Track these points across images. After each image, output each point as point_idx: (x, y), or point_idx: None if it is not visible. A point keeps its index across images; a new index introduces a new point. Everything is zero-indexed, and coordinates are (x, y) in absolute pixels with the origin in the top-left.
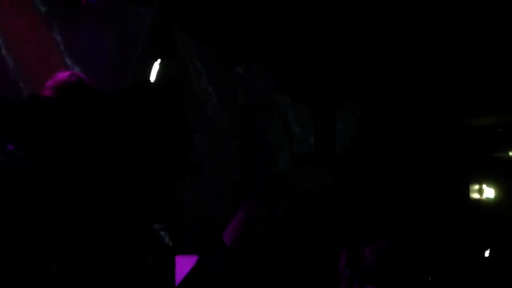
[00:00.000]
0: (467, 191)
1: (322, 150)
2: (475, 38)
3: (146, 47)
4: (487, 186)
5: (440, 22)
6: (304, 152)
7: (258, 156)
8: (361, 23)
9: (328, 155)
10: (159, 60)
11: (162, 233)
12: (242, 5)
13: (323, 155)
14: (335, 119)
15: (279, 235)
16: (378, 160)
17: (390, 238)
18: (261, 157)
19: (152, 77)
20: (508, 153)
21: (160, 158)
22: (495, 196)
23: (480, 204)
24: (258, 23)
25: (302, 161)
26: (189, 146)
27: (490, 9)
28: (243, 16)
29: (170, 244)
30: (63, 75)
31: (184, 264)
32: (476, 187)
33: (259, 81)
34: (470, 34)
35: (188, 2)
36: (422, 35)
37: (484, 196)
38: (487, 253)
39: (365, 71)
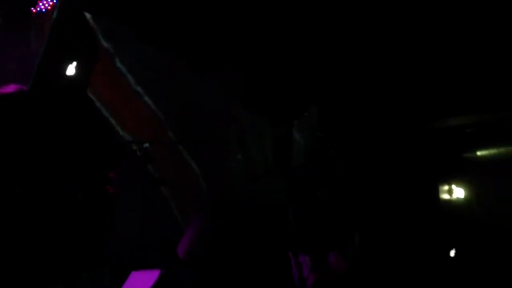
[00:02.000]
0: (436, 192)
1: (278, 162)
2: (441, 39)
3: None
4: (457, 186)
5: (405, 22)
6: (259, 166)
7: (211, 168)
8: (317, 29)
9: (284, 167)
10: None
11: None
12: (196, 10)
13: (279, 167)
14: (291, 130)
15: (231, 249)
16: (334, 171)
17: (355, 244)
18: (214, 169)
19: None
20: (476, 153)
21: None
22: (465, 196)
23: (450, 204)
24: (213, 30)
25: (258, 173)
26: (117, 159)
27: (456, 10)
28: (196, 22)
29: None
30: (7, 89)
31: (141, 279)
32: (446, 187)
33: (214, 90)
34: (436, 34)
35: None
36: (384, 35)
37: (454, 196)
38: (452, 253)
39: (324, 76)
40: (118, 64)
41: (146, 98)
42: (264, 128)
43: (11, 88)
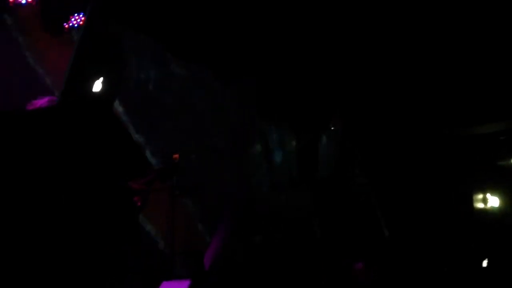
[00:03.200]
0: (471, 201)
1: (303, 174)
2: (471, 46)
3: (78, 52)
4: (491, 195)
5: (431, 31)
6: (284, 176)
7: (238, 178)
8: (340, 43)
9: (309, 179)
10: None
11: None
12: (221, 24)
13: (305, 179)
14: (317, 142)
15: (258, 263)
16: (358, 184)
17: (385, 253)
18: (241, 180)
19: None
20: (511, 161)
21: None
22: (499, 205)
23: (485, 213)
24: (241, 43)
25: (283, 185)
26: (141, 170)
27: (483, 15)
28: (223, 36)
29: None
30: (41, 101)
31: None
32: (480, 196)
33: (240, 102)
34: (465, 41)
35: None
36: (413, 44)
37: (489, 205)
38: (485, 263)
39: (349, 87)
40: None
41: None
42: (289, 140)
43: (44, 100)
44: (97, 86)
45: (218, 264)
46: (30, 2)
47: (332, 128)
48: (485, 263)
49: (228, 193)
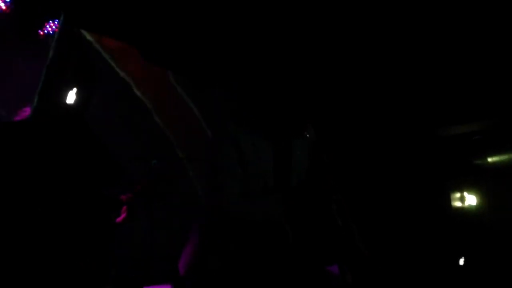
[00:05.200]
0: (448, 200)
1: (278, 181)
2: (444, 48)
3: (51, 64)
4: (469, 194)
5: (404, 30)
6: (258, 183)
7: (209, 184)
8: (315, 42)
9: (283, 186)
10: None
11: None
12: (195, 29)
13: (278, 186)
14: (291, 147)
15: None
16: (330, 186)
17: (361, 256)
18: (212, 185)
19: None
20: (486, 160)
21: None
22: (477, 203)
23: (463, 211)
24: (213, 48)
25: (256, 192)
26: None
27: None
28: (196, 41)
29: None
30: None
31: None
32: (458, 195)
33: (212, 107)
34: (438, 43)
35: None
36: (390, 41)
37: (466, 203)
38: (461, 261)
39: (324, 87)
40: None
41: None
42: (263, 147)
43: (28, 110)
44: (71, 97)
45: (193, 270)
46: (4, 10)
47: (308, 136)
48: (461, 262)
49: (200, 200)
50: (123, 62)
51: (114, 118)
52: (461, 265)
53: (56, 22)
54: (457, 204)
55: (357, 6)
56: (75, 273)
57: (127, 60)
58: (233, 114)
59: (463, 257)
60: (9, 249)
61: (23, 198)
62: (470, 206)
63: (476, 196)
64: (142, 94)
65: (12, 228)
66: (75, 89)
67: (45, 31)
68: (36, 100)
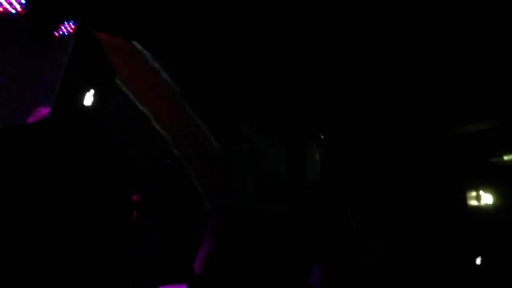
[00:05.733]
0: (464, 199)
1: (292, 181)
2: (456, 47)
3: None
4: (485, 192)
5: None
6: (272, 183)
7: (223, 184)
8: (332, 48)
9: (297, 186)
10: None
11: None
12: (209, 30)
13: (293, 186)
14: (305, 148)
15: (246, 269)
16: (344, 191)
17: (375, 254)
18: (226, 185)
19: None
20: (502, 158)
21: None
22: (493, 202)
23: (479, 210)
24: (228, 49)
25: (270, 192)
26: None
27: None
28: (210, 42)
29: None
30: (46, 110)
31: None
32: (474, 194)
33: (226, 106)
34: (450, 41)
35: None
36: (397, 46)
37: (482, 202)
38: (478, 261)
39: (338, 91)
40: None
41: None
42: (277, 147)
43: (45, 110)
44: (88, 99)
45: (208, 269)
46: (20, 12)
47: (322, 137)
48: (478, 261)
49: (215, 200)
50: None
51: (123, 119)
52: (478, 265)
53: (71, 24)
54: (473, 203)
55: (371, 12)
56: (91, 273)
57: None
58: (248, 115)
59: (480, 257)
60: (27, 250)
61: (41, 199)
62: (486, 205)
63: (492, 195)
64: (142, 106)
65: (29, 229)
66: (92, 91)
67: (60, 33)
68: (55, 102)
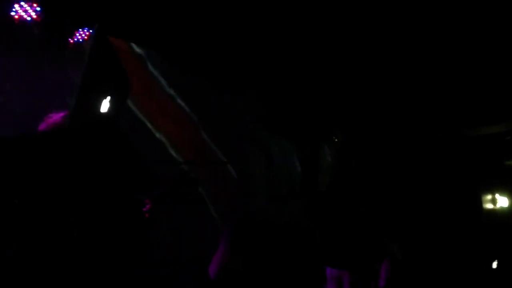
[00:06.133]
0: (480, 202)
1: (305, 184)
2: (474, 48)
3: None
4: (500, 195)
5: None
6: (285, 187)
7: (236, 188)
8: (343, 53)
9: (310, 190)
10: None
11: None
12: (222, 33)
13: (306, 190)
14: (318, 152)
15: (259, 273)
16: (358, 194)
17: (394, 257)
18: (240, 189)
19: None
20: None
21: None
22: (509, 205)
23: (495, 214)
24: (241, 52)
25: (283, 195)
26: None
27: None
28: (224, 45)
29: None
30: (56, 116)
31: None
32: (489, 197)
33: (238, 110)
34: (468, 43)
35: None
36: (413, 46)
37: (498, 205)
38: (495, 264)
39: (351, 94)
40: (150, 68)
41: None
42: (290, 151)
43: (59, 115)
44: (105, 106)
45: (223, 273)
46: (35, 19)
47: (335, 140)
48: (495, 264)
49: (228, 204)
50: None
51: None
52: (494, 268)
53: (85, 30)
54: (489, 206)
55: (386, 16)
56: (105, 275)
57: None
58: (262, 119)
59: (496, 260)
60: (47, 251)
61: (61, 204)
62: (502, 208)
63: (508, 198)
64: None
65: (50, 232)
66: (108, 97)
67: (75, 39)
68: (73, 108)
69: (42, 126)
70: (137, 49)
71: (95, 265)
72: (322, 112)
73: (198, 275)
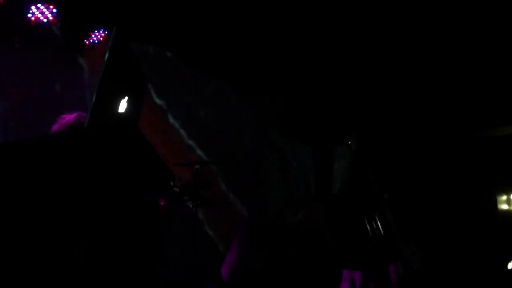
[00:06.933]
0: (495, 203)
1: (319, 188)
2: (489, 49)
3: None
4: None
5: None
6: (300, 191)
7: (251, 192)
8: (359, 59)
9: (324, 194)
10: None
11: None
12: (239, 37)
13: (321, 193)
14: (333, 155)
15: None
16: (373, 197)
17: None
18: (254, 193)
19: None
20: None
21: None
22: None
23: (510, 214)
24: (257, 57)
25: (298, 199)
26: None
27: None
28: (241, 49)
29: None
30: (69, 117)
31: None
32: (504, 197)
33: (252, 113)
34: (482, 44)
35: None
36: (429, 49)
37: None
38: (510, 265)
39: (365, 101)
40: (171, 120)
41: (199, 151)
42: (305, 154)
43: (72, 116)
44: (122, 106)
45: (236, 275)
46: (51, 21)
47: (350, 144)
48: (510, 265)
49: (243, 207)
50: None
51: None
52: (510, 269)
53: (101, 32)
54: (504, 207)
55: (402, 21)
56: (123, 276)
57: None
58: (276, 122)
59: (511, 261)
60: (66, 251)
61: (77, 205)
62: None
63: None
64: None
65: (68, 232)
66: (126, 98)
67: (91, 41)
68: (91, 109)
69: (55, 127)
70: (158, 100)
71: (111, 266)
72: (337, 116)
73: (213, 277)
